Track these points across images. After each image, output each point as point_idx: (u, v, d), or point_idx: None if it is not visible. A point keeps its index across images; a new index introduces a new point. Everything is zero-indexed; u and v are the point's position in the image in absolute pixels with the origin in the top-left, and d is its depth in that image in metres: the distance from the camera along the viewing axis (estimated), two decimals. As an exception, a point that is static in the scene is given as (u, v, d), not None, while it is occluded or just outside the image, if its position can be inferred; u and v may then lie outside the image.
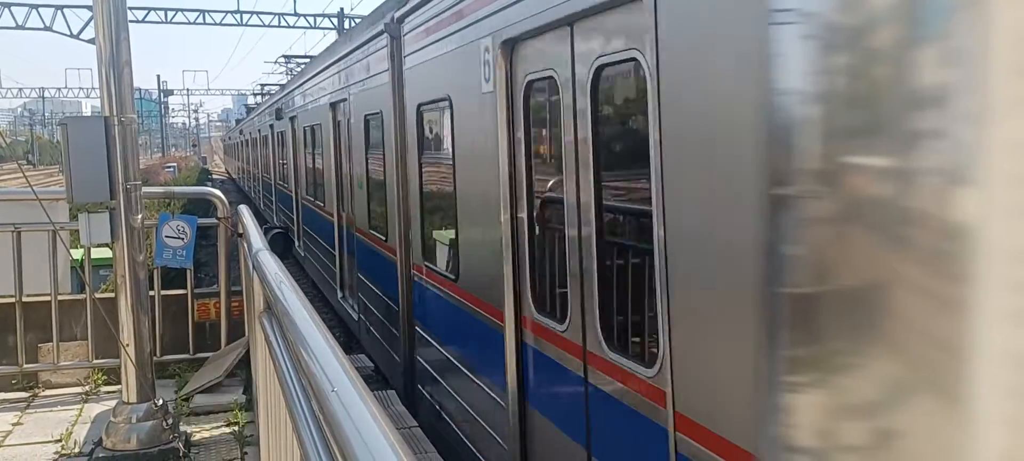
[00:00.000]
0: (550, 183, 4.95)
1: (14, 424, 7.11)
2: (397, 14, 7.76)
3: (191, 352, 8.49)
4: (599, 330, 4.27)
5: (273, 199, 24.40)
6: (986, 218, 0.58)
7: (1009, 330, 0.58)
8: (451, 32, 6.26)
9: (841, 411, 0.71)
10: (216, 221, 8.53)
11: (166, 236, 7.56)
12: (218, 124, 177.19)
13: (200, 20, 46.69)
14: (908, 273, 0.64)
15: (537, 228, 5.13)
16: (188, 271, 8.26)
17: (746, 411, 2.44)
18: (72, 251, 8.27)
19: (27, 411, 7.44)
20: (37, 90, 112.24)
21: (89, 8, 28.91)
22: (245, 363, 7.57)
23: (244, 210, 7.53)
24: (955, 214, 0.59)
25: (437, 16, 6.67)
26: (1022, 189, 0.58)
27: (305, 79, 16.00)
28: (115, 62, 5.97)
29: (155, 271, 8.10)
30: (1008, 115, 0.58)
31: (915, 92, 0.64)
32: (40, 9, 40.96)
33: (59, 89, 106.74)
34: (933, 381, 0.62)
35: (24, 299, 7.95)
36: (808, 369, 0.74)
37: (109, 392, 7.80)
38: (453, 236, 6.53)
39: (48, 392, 7.95)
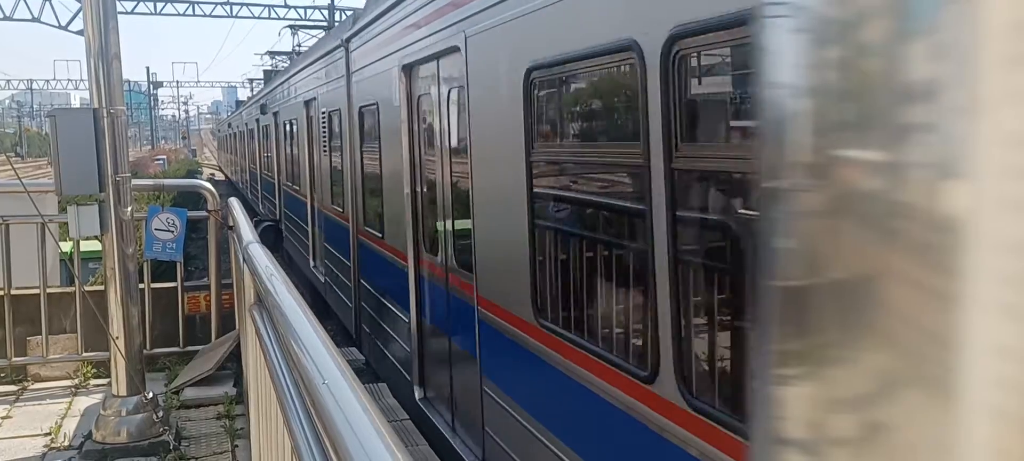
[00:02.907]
0: None
1: (3, 417, 7.08)
2: None
3: (181, 345, 8.47)
4: None
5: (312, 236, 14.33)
6: (977, 211, 0.59)
7: (999, 323, 0.58)
8: None
9: (831, 403, 0.71)
10: (206, 214, 8.51)
11: (156, 229, 7.54)
12: (208, 116, 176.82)
13: (189, 11, 46.55)
14: (899, 266, 0.64)
15: None
16: (178, 264, 8.24)
17: None
18: (61, 244, 8.24)
19: (16, 404, 7.42)
20: (25, 82, 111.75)
21: (77, -1, 28.67)
22: (235, 356, 7.56)
23: (235, 203, 7.51)
24: (946, 207, 0.60)
25: None
26: (1013, 182, 0.58)
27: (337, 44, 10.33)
28: (104, 54, 5.94)
29: (145, 264, 8.08)
30: (999, 108, 0.58)
31: (906, 86, 0.65)
32: (27, 0, 40.71)
33: (47, 81, 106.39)
34: (924, 374, 0.63)
35: (13, 292, 7.92)
36: (798, 362, 0.74)
37: (99, 385, 7.79)
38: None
39: (37, 385, 7.92)
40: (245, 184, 32.01)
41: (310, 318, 2.76)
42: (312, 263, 13.54)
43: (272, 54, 45.30)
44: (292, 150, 15.52)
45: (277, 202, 19.01)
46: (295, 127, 14.73)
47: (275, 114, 18.24)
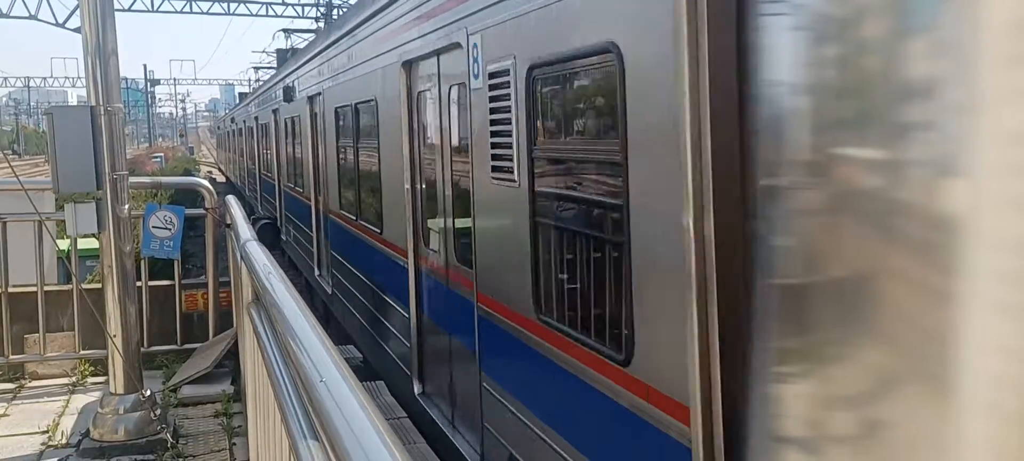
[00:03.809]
0: None
1: (1, 415, 7.07)
2: None
3: (179, 343, 8.46)
4: None
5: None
6: (975, 209, 0.59)
7: (997, 321, 0.58)
8: None
9: (830, 401, 0.71)
10: (204, 211, 8.50)
11: (153, 226, 7.53)
12: (205, 114, 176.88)
13: (187, 8, 46.43)
14: (897, 264, 0.64)
15: None
16: (176, 262, 8.23)
17: None
18: (58, 241, 8.23)
19: (13, 402, 7.41)
20: (22, 79, 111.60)
21: (75, -3, 28.56)
22: (233, 354, 7.56)
23: (232, 200, 7.50)
24: (944, 205, 0.60)
25: None
26: (1011, 180, 0.58)
27: None
28: (101, 51, 5.93)
29: (142, 262, 8.07)
30: (997, 106, 0.58)
31: (904, 83, 0.65)
32: (25, -3, 40.64)
33: (45, 78, 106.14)
34: (922, 371, 0.63)
35: (10, 290, 7.91)
36: (798, 360, 0.74)
37: (96, 383, 7.78)
38: None
39: (35, 383, 7.91)
40: (255, 192, 24.54)
41: (308, 316, 2.76)
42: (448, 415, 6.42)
43: (287, 32, 39.01)
44: (353, 158, 9.12)
45: (317, 238, 12.13)
46: (366, 117, 8.41)
47: (311, 99, 11.95)
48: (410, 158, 6.84)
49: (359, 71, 8.65)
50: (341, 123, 9.87)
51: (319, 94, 11.30)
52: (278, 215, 17.46)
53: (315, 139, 11.92)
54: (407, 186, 6.84)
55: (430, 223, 6.60)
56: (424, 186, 6.70)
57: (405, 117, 6.88)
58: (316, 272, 12.11)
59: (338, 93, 9.92)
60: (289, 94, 14.32)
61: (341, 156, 9.93)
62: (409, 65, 6.77)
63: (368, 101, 8.16)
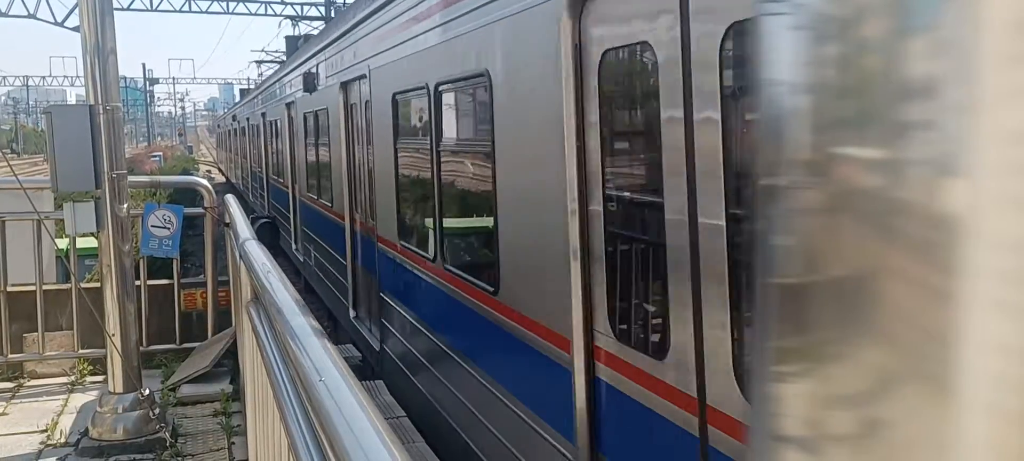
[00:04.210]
0: None
1: (-1, 414, 7.08)
2: None
3: (178, 342, 8.46)
4: None
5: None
6: (976, 209, 0.59)
7: (998, 321, 0.58)
8: None
9: (830, 401, 0.71)
10: (203, 210, 8.50)
11: (152, 225, 7.53)
12: (204, 113, 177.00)
13: (186, 7, 46.43)
14: (898, 263, 0.64)
15: None
16: (174, 261, 8.23)
17: None
18: (57, 240, 8.23)
19: (12, 401, 7.40)
20: (21, 78, 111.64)
21: (74, -5, 28.53)
22: (232, 353, 7.56)
23: (231, 199, 7.50)
24: (945, 205, 0.60)
25: None
26: (1011, 180, 0.58)
27: None
28: (100, 50, 5.93)
29: (141, 261, 8.07)
30: (998, 105, 0.58)
31: (905, 83, 0.65)
32: (24, -4, 40.63)
33: (43, 77, 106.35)
34: (922, 371, 0.63)
35: (9, 289, 7.90)
36: (797, 359, 0.74)
37: (95, 382, 7.78)
38: None
39: (33, 382, 7.91)
40: (261, 199, 21.87)
41: (307, 315, 2.76)
42: None
43: (294, 20, 36.49)
44: (430, 166, 6.31)
45: (352, 269, 9.77)
46: (462, 105, 6.18)
47: (345, 85, 9.46)
48: (580, 176, 3.96)
49: (445, 34, 5.75)
50: (403, 115, 7.18)
51: (362, 77, 8.42)
52: (293, 230, 14.80)
53: (351, 138, 9.28)
54: (573, 227, 3.97)
55: (635, 303, 3.76)
56: (609, 228, 3.85)
57: (571, 101, 3.96)
58: (352, 314, 9.60)
59: (399, 72, 7.03)
60: (311, 82, 11.42)
61: (403, 163, 7.21)
62: (582, 4, 3.90)
63: (467, 79, 5.49)
